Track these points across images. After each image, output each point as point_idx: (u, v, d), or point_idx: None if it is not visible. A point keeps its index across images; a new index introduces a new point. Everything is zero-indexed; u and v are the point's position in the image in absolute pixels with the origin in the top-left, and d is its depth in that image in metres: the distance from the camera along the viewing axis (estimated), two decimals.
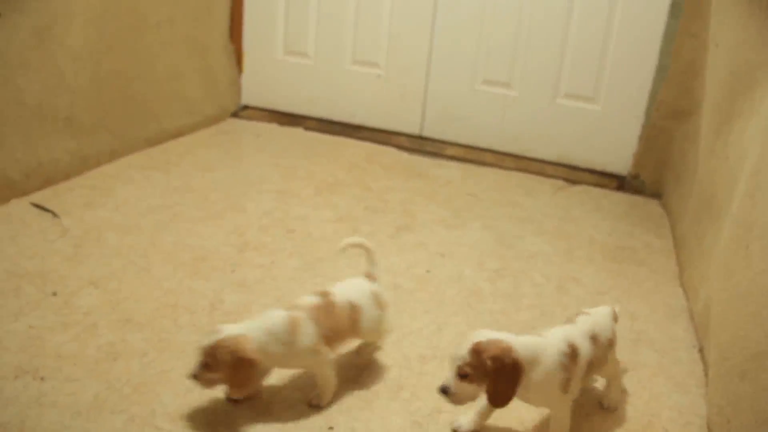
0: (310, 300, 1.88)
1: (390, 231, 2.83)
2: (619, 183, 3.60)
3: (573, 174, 3.64)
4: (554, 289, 2.55)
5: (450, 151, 3.81)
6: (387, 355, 2.10)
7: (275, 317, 1.80)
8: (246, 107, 4.23)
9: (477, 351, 1.63)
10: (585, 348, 1.76)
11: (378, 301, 1.98)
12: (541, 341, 1.71)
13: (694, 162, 2.96)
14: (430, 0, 3.68)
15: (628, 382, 2.07)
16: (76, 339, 2.05)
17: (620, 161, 3.62)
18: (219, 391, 1.86)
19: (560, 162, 3.72)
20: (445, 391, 1.66)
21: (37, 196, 2.91)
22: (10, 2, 2.77)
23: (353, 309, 1.91)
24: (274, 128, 3.94)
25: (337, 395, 1.91)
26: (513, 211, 3.13)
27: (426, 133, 3.93)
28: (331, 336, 1.86)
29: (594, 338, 1.80)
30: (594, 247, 2.89)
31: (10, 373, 1.91)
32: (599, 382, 2.05)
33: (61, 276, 2.36)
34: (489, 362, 1.62)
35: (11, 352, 1.98)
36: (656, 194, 3.51)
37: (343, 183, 3.24)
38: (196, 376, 1.76)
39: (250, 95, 4.23)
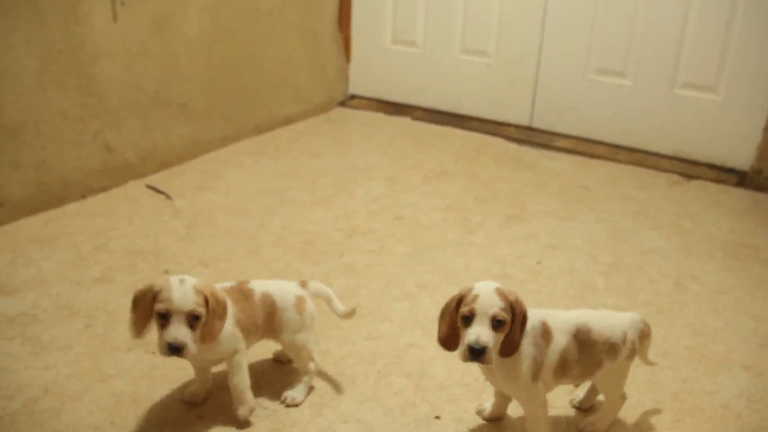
0: (225, 284, 1.75)
1: (499, 221, 2.76)
2: (740, 178, 3.42)
3: (690, 168, 3.47)
4: (671, 286, 2.43)
5: (560, 142, 3.70)
6: None
7: None
8: (353, 96, 4.23)
9: (504, 295, 1.52)
10: (560, 337, 1.60)
11: (300, 307, 1.77)
12: None
13: None
14: None
15: (752, 387, 1.95)
16: None
17: (742, 155, 3.43)
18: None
19: (676, 156, 3.56)
20: (482, 349, 1.48)
21: (152, 179, 2.99)
22: None
23: (269, 304, 1.75)
24: (381, 117, 3.93)
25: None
26: (627, 205, 3.02)
27: (535, 124, 3.84)
28: (246, 325, 1.72)
29: (579, 334, 1.62)
30: (714, 244, 2.75)
31: (124, 346, 1.95)
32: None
33: (173, 255, 2.40)
34: (516, 306, 1.52)
35: (125, 325, 2.02)
36: None
37: (451, 172, 3.19)
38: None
39: (358, 84, 4.23)
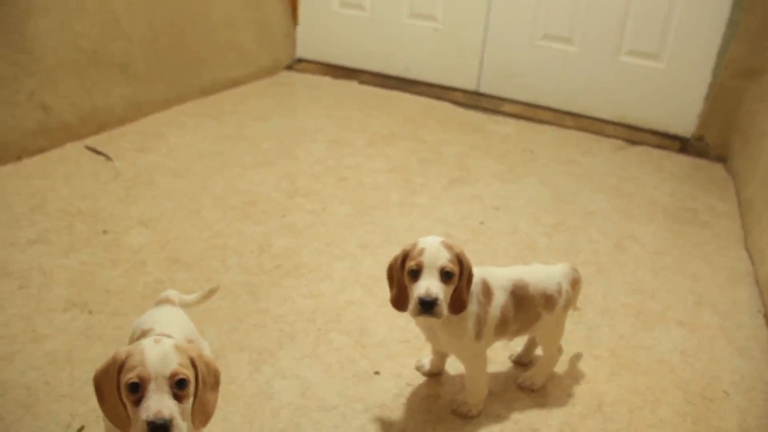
0: None
1: (444, 183, 2.76)
2: (682, 145, 3.47)
3: (634, 134, 3.52)
4: (612, 246, 2.46)
5: (507, 107, 3.71)
6: None
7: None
8: (300, 60, 4.18)
9: (451, 247, 1.49)
10: (500, 294, 1.60)
11: None
12: None
13: (764, 123, 2.83)
14: None
15: (687, 342, 1.99)
16: (125, 275, 2.04)
17: (684, 122, 3.48)
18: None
19: (621, 122, 3.60)
20: (433, 301, 1.45)
21: (92, 140, 2.92)
22: None
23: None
24: (328, 81, 3.90)
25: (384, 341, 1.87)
26: (570, 169, 3.04)
27: (483, 89, 3.84)
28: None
29: (516, 290, 1.62)
30: (654, 207, 2.79)
31: (60, 306, 1.91)
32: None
33: (112, 216, 2.35)
34: (463, 258, 1.49)
35: (62, 286, 1.99)
36: (721, 157, 3.37)
37: (397, 135, 3.18)
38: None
39: (305, 48, 4.18)
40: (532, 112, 3.67)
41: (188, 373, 1.17)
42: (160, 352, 1.16)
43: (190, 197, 2.50)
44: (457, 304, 1.51)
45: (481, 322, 1.57)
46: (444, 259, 1.47)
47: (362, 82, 3.90)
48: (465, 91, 3.87)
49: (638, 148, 3.37)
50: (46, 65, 2.80)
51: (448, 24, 3.80)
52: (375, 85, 3.88)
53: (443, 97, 3.79)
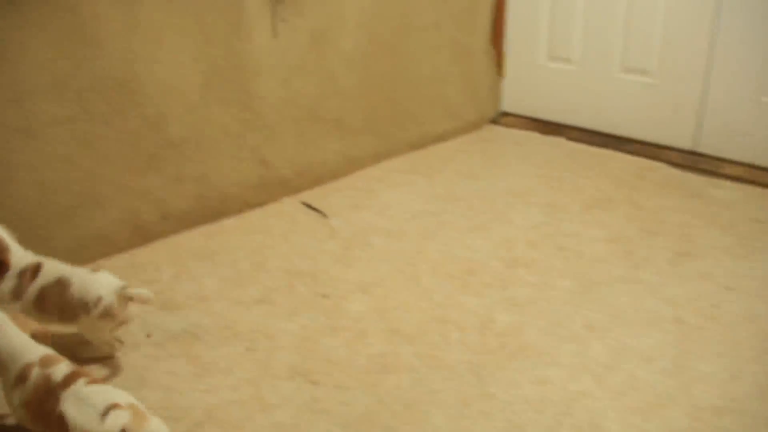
0: None
1: (668, 256, 2.58)
2: None
3: None
4: None
5: (728, 169, 3.45)
6: (679, 396, 1.88)
7: None
8: (505, 113, 4.11)
9: None
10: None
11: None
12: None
13: None
14: (711, 1, 3.35)
15: None
16: (347, 345, 2.02)
17: None
18: None
19: None
20: None
21: (307, 195, 2.98)
22: (293, 7, 2.84)
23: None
24: (535, 137, 3.80)
25: None
26: None
27: (701, 149, 3.60)
28: None
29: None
30: None
31: (285, 373, 1.92)
32: None
33: (331, 278, 2.36)
34: None
35: (286, 351, 2.00)
36: None
37: (612, 200, 3.03)
38: None
39: (510, 101, 4.10)
40: (757, 176, 3.39)
41: None
42: None
43: (406, 262, 2.47)
44: None
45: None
46: None
47: (570, 139, 3.77)
48: (680, 151, 3.64)
49: None
50: (267, 122, 2.89)
51: (663, 78, 3.60)
52: (584, 141, 3.74)
53: (657, 156, 3.58)
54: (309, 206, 2.88)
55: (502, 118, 4.06)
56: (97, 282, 1.87)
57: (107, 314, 1.85)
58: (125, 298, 1.88)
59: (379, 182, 3.12)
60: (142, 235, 2.60)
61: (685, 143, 3.63)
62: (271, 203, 2.92)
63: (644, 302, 2.28)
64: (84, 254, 2.38)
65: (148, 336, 2.06)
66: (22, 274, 1.88)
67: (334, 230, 2.68)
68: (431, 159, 3.42)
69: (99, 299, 1.84)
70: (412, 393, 1.85)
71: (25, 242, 2.13)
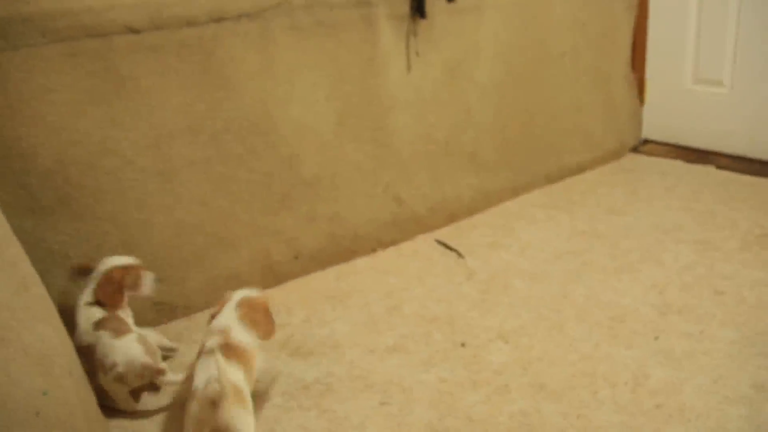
0: None
1: None
2: None
3: None
4: None
5: None
6: None
7: None
8: (647, 141, 3.89)
9: None
10: None
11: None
12: None
13: None
14: None
15: None
16: (488, 401, 1.89)
17: None
18: None
19: None
20: None
21: (441, 233, 2.89)
22: (428, 41, 2.76)
23: None
24: (680, 165, 3.56)
25: None
26: None
27: None
28: None
29: None
30: None
31: (422, 431, 1.80)
32: None
33: (468, 325, 2.24)
34: None
35: (423, 406, 1.89)
36: None
37: None
38: None
39: (652, 128, 3.88)
40: None
41: None
42: None
43: (549, 307, 2.32)
44: None
45: None
46: None
47: (720, 167, 3.50)
48: None
49: None
50: (401, 158, 2.81)
51: None
52: (736, 170, 3.46)
53: None
54: (444, 245, 2.77)
55: (643, 146, 3.84)
56: (118, 348, 1.90)
57: (120, 379, 1.89)
58: (142, 368, 1.90)
59: (517, 218, 2.98)
60: (274, 275, 2.57)
61: None
62: (404, 242, 2.84)
63: None
64: (216, 295, 2.35)
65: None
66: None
67: (472, 272, 2.56)
68: (571, 192, 3.25)
69: (114, 364, 1.88)
70: None
71: (161, 283, 2.14)
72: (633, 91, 3.79)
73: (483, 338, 2.17)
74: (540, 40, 3.20)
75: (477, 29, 2.93)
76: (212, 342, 1.74)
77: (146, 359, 1.89)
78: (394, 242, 2.83)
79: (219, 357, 1.59)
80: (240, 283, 2.45)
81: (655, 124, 3.88)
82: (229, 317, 1.84)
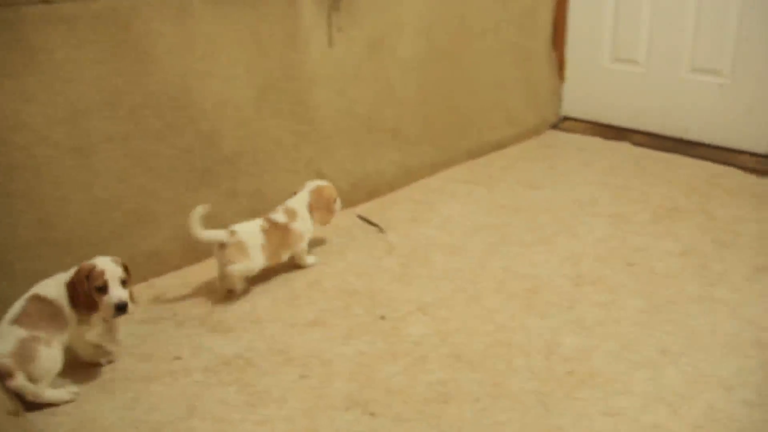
0: None
1: (746, 272, 2.43)
2: None
3: None
4: None
5: None
6: (764, 430, 1.74)
7: None
8: (566, 118, 3.98)
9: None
10: None
11: None
12: None
13: None
14: None
15: None
16: (406, 372, 1.93)
17: None
18: None
19: None
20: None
21: (363, 208, 2.91)
22: (350, 16, 2.76)
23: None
24: (597, 142, 3.66)
25: None
26: None
27: None
28: None
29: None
30: None
31: (341, 403, 1.84)
32: None
33: (389, 298, 2.28)
34: None
35: (342, 379, 1.92)
36: None
37: (683, 209, 2.88)
38: None
39: (571, 106, 3.97)
40: None
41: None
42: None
43: (468, 280, 2.37)
44: None
45: None
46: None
47: (636, 144, 3.62)
48: (754, 155, 3.46)
49: None
50: (323, 133, 2.82)
51: (736, 78, 3.42)
52: (650, 147, 3.58)
53: (729, 161, 3.41)
54: (366, 220, 2.80)
55: (563, 122, 3.93)
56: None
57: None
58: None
59: (438, 193, 3.03)
60: (196, 252, 2.55)
61: (759, 147, 3.45)
62: None
63: (722, 323, 2.14)
64: (137, 272, 2.33)
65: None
66: None
67: (392, 246, 2.60)
68: (491, 168, 3.31)
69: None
70: (474, 425, 1.75)
71: (79, 260, 2.10)
72: (553, 69, 3.87)
73: (402, 311, 2.21)
74: (462, 17, 3.24)
75: (399, 5, 2.94)
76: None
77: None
78: None
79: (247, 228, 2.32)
80: (161, 261, 2.44)
81: (574, 102, 3.97)
82: (300, 200, 2.47)
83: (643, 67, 3.68)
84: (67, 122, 2.19)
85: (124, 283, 1.91)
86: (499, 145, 3.58)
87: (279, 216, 2.41)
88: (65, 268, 1.98)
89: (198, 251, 2.52)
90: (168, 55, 2.33)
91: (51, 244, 2.21)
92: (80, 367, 1.99)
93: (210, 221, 2.45)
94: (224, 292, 2.32)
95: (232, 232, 2.27)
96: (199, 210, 2.21)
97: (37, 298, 1.89)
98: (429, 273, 2.41)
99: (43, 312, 1.88)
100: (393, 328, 2.13)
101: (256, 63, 2.55)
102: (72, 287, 1.89)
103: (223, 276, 2.31)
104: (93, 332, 2.03)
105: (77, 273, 1.90)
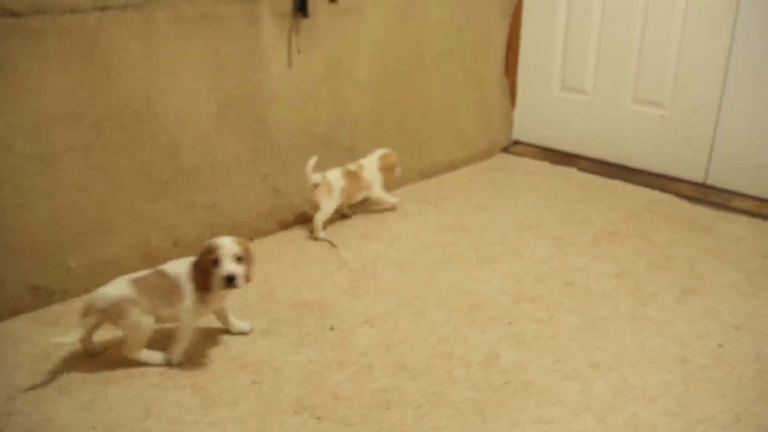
0: None
1: (676, 293, 2.58)
2: None
3: None
4: None
5: (737, 202, 3.46)
6: None
7: None
8: (516, 142, 4.14)
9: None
10: None
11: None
12: None
13: None
14: (725, 35, 3.36)
15: None
16: (352, 380, 2.04)
17: None
18: None
19: None
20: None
21: None
22: (309, 38, 2.88)
23: None
24: (545, 166, 3.81)
25: None
26: None
27: (711, 182, 3.60)
28: None
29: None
30: None
31: (290, 407, 1.93)
32: None
33: (338, 310, 2.38)
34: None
35: (292, 385, 2.01)
36: None
37: (622, 233, 3.03)
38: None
39: (522, 130, 4.13)
40: (767, 209, 3.38)
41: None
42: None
43: (414, 294, 2.48)
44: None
45: None
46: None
47: (581, 169, 3.78)
48: (691, 183, 3.64)
49: None
50: (280, 150, 2.92)
51: (675, 110, 3.61)
52: (595, 172, 3.75)
53: (668, 188, 3.59)
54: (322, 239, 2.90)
55: (513, 146, 4.08)
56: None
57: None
58: None
59: (389, 212, 3.15)
60: (153, 261, 2.60)
61: (696, 176, 3.63)
62: (281, 231, 2.95)
63: (650, 340, 2.29)
64: (96, 279, 2.39)
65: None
66: None
67: (344, 261, 2.70)
68: (442, 188, 3.44)
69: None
70: (416, 430, 1.85)
71: (38, 267, 2.16)
72: (505, 94, 4.02)
73: (351, 322, 2.31)
74: (417, 41, 3.37)
75: (357, 29, 3.07)
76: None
77: None
78: (271, 232, 2.94)
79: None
80: (119, 269, 2.51)
81: (524, 127, 4.13)
82: (370, 161, 3.08)
83: (590, 96, 3.86)
84: (30, 132, 2.25)
85: (240, 260, 2.03)
86: (451, 167, 3.71)
87: (353, 166, 3.01)
88: (24, 274, 2.05)
89: (155, 260, 2.60)
90: (132, 70, 2.42)
91: (11, 249, 2.27)
92: (42, 364, 2.05)
93: (168, 231, 2.54)
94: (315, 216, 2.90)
95: (323, 176, 2.87)
96: (313, 159, 2.83)
97: (160, 272, 2.10)
98: (377, 287, 2.52)
99: (159, 284, 2.07)
100: (341, 338, 2.23)
101: (217, 80, 2.65)
102: (194, 264, 2.05)
103: (316, 207, 2.91)
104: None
105: (200, 251, 2.05)
